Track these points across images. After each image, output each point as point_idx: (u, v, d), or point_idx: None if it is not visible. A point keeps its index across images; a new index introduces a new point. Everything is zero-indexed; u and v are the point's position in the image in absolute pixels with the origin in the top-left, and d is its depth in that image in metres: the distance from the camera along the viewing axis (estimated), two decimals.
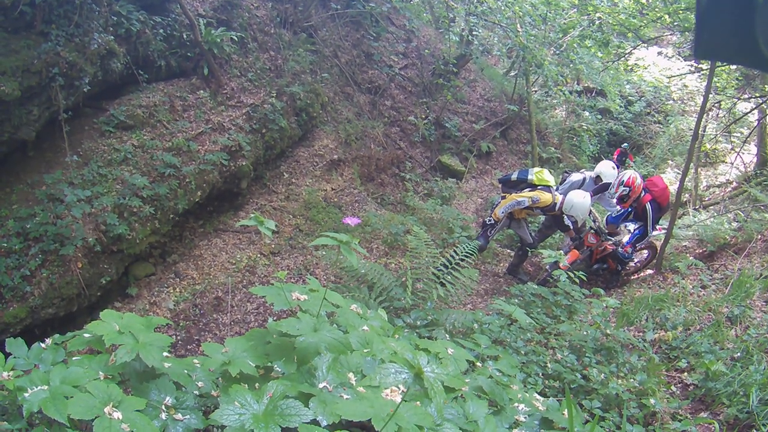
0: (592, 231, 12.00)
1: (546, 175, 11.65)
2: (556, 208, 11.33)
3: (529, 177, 11.65)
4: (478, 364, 4.26)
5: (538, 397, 4.08)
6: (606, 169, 12.86)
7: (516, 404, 3.75)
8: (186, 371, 3.38)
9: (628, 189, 11.44)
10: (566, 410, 3.71)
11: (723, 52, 1.64)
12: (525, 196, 11.35)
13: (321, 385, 3.13)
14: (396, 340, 3.71)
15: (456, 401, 3.40)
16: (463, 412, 3.35)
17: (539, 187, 11.43)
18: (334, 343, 3.02)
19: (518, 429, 3.61)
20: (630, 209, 11.89)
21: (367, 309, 4.29)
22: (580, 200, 11.16)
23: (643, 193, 11.66)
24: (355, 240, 3.36)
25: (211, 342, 9.34)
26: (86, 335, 3.38)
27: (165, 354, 3.31)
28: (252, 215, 3.51)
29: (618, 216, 11.88)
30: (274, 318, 9.31)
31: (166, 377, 3.21)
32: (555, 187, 11.71)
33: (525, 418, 3.73)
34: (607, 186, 12.30)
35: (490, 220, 11.74)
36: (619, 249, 11.63)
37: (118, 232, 9.45)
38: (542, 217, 12.99)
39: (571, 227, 11.80)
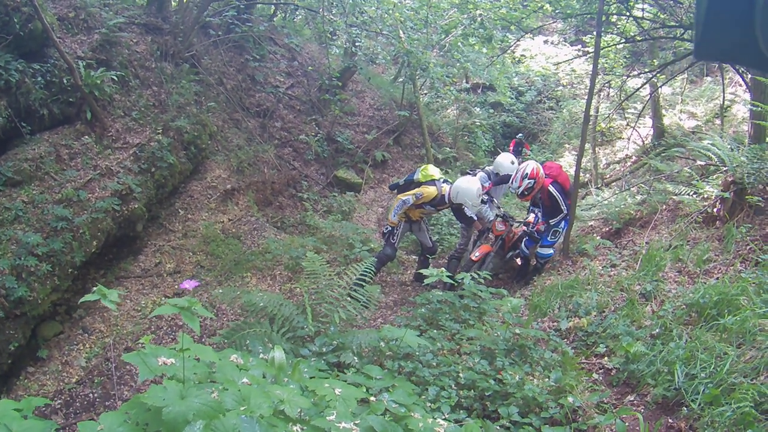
0: (499, 218, 11.88)
1: (431, 170, 11.56)
2: (446, 199, 11.24)
3: (415, 177, 11.55)
4: (372, 398, 4.19)
5: (441, 422, 3.98)
6: (503, 161, 12.83)
7: None
8: None
9: (532, 181, 11.11)
10: None
11: (723, 52, 1.63)
12: (409, 194, 11.27)
13: None
14: (284, 386, 3.65)
15: None
16: None
17: (423, 183, 11.34)
18: (203, 408, 2.92)
19: None
20: (534, 208, 11.92)
21: (269, 344, 4.22)
22: (465, 185, 11.02)
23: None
24: (197, 304, 3.30)
25: (128, 397, 9.25)
26: None
27: None
28: (95, 289, 3.41)
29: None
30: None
31: None
32: (441, 179, 11.56)
33: None
34: (507, 178, 12.08)
35: (386, 228, 11.73)
36: (530, 229, 11.50)
37: (19, 294, 9.06)
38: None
39: (475, 218, 11.68)
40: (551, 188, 11.25)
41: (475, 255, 11.60)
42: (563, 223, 11.45)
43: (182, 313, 3.22)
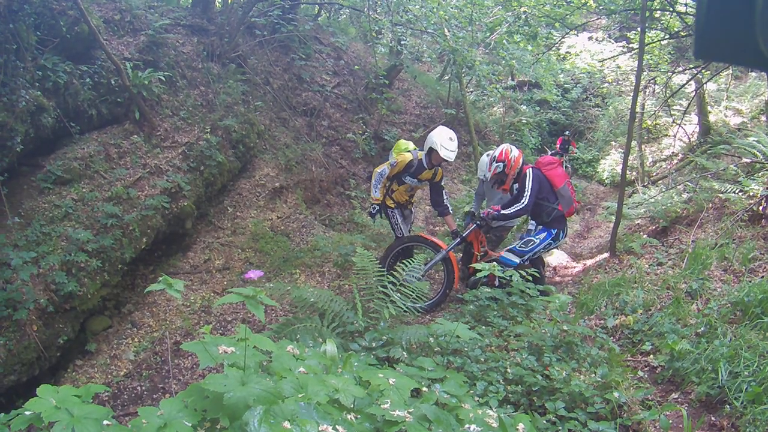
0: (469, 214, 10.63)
1: (403, 143, 10.82)
2: (424, 164, 10.29)
3: (390, 159, 10.61)
4: (424, 389, 4.22)
5: (491, 412, 3.97)
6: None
7: (467, 426, 3.69)
8: None
9: (501, 164, 9.64)
10: (521, 423, 3.71)
11: (723, 52, 1.65)
12: (385, 164, 10.59)
13: None
14: (338, 375, 3.68)
15: None
16: None
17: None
18: (263, 394, 2.98)
19: None
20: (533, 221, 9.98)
21: (320, 338, 4.26)
22: (435, 132, 10.24)
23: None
24: (261, 293, 3.33)
25: (177, 390, 9.30)
26: (27, 413, 3.35)
27: (106, 423, 3.28)
28: (160, 279, 3.46)
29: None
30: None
31: None
32: (416, 150, 10.56)
33: None
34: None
35: (373, 208, 10.80)
36: (480, 213, 9.68)
37: (69, 289, 9.23)
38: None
39: (449, 207, 10.80)
40: (528, 172, 9.52)
41: (431, 239, 10.68)
42: (545, 234, 9.67)
43: (247, 301, 3.26)
